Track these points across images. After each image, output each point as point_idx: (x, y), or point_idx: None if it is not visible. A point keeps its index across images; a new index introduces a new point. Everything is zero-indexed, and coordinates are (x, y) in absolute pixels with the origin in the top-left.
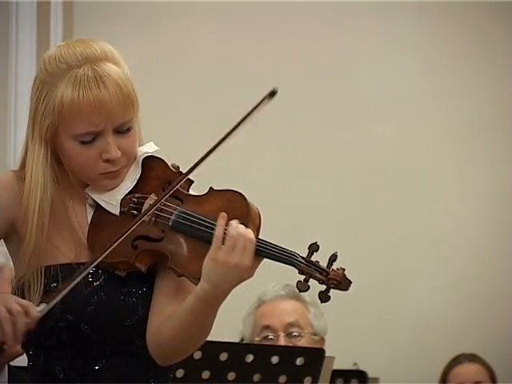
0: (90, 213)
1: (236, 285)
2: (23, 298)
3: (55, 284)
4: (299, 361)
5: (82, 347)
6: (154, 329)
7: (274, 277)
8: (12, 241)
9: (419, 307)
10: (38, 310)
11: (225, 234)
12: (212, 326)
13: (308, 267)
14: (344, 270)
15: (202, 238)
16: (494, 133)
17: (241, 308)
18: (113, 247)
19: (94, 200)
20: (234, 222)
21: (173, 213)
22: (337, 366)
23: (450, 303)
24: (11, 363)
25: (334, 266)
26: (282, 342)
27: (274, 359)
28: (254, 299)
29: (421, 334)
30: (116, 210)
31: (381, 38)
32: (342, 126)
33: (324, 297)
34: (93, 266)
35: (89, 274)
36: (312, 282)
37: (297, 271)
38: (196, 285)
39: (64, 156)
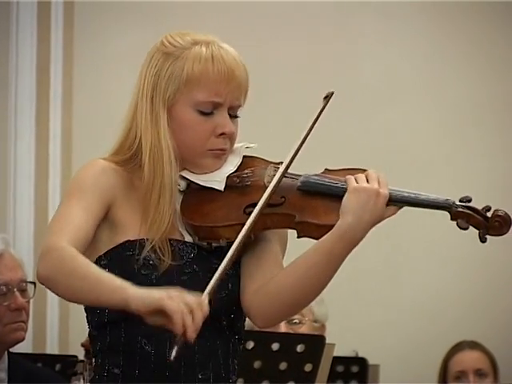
0: (178, 198)
1: (373, 222)
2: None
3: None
4: (300, 348)
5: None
6: (257, 287)
7: None
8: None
9: (420, 294)
10: (206, 301)
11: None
12: (331, 278)
13: (466, 210)
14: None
15: (334, 193)
16: (493, 124)
17: None
18: (273, 189)
19: (189, 182)
20: None
21: (297, 178)
22: (337, 353)
23: (451, 290)
24: (11, 350)
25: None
26: (283, 328)
27: (275, 346)
28: None
29: (422, 321)
30: (221, 186)
31: (382, 31)
32: (344, 116)
33: (484, 238)
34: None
35: (179, 249)
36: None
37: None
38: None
39: (179, 126)
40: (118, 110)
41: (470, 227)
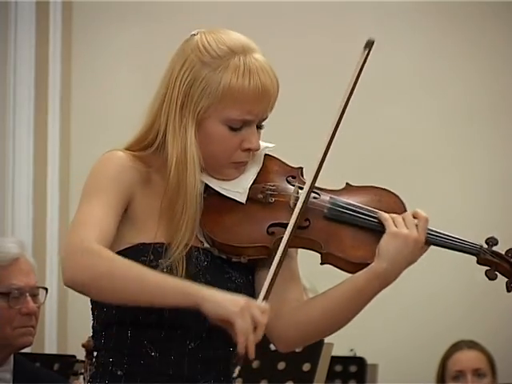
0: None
1: (408, 265)
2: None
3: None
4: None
5: (180, 326)
6: (282, 312)
7: None
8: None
9: (418, 294)
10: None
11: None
12: (360, 311)
13: (494, 258)
14: None
15: (363, 225)
16: (494, 120)
17: None
18: (298, 215)
19: (209, 188)
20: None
21: (324, 202)
22: (335, 352)
23: (449, 290)
24: None
25: None
26: None
27: (273, 346)
28: None
29: (420, 321)
30: (242, 198)
31: (381, 30)
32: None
33: (510, 287)
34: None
35: (193, 256)
36: None
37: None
38: (345, 270)
39: (207, 139)
40: (115, 108)
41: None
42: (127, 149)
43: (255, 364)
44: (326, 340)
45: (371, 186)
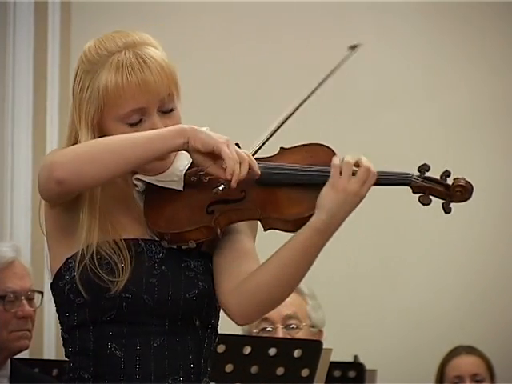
0: (139, 200)
1: (347, 216)
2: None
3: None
4: (297, 353)
5: (141, 322)
6: (234, 285)
7: None
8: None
9: (417, 299)
10: (253, 158)
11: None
12: (308, 270)
13: (427, 183)
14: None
15: (297, 182)
16: (496, 122)
17: None
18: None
19: (146, 183)
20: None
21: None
22: (334, 357)
23: (449, 295)
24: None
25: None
26: (280, 334)
27: (272, 351)
28: None
29: (418, 327)
30: (179, 185)
31: (381, 33)
32: (342, 118)
33: (448, 208)
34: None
35: (148, 249)
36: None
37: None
38: (286, 231)
39: None
40: None
41: (433, 198)
42: None
43: (254, 369)
44: (325, 345)
45: (302, 144)
